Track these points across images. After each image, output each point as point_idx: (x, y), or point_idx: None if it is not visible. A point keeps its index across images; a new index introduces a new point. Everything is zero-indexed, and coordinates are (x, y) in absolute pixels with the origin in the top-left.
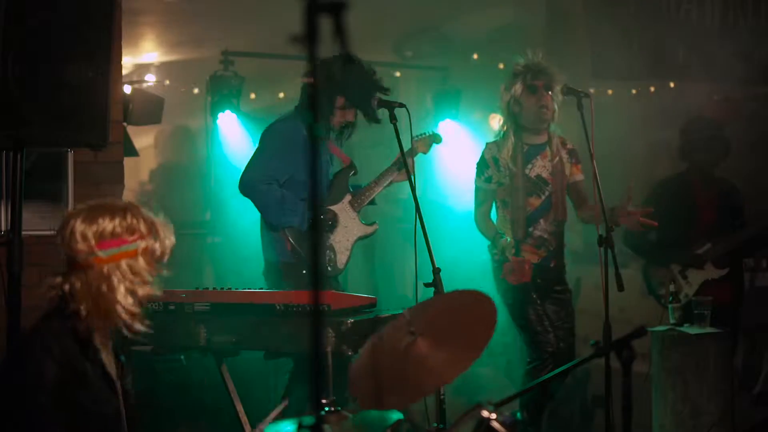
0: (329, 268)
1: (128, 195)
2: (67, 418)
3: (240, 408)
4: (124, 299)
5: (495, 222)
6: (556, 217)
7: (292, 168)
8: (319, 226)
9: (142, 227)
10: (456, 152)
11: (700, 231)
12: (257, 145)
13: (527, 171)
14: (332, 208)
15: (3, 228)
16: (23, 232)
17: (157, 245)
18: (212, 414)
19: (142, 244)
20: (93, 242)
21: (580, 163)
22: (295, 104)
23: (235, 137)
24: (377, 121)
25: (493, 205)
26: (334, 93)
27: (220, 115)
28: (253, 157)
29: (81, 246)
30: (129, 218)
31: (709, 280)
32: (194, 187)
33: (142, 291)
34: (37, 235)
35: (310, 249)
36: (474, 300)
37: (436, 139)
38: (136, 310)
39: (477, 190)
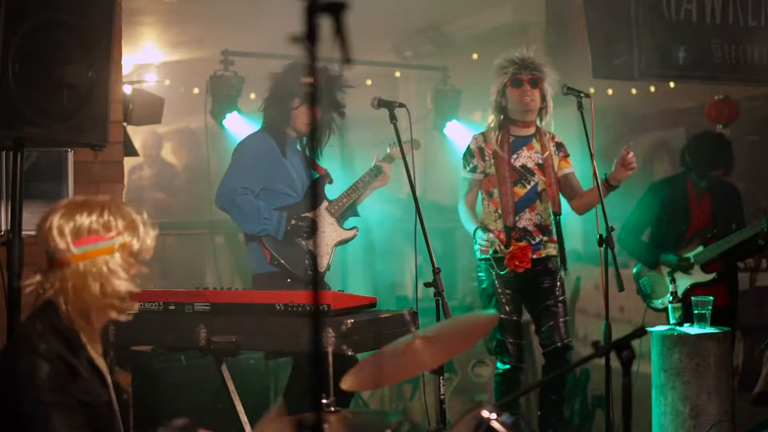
0: (310, 273)
1: (128, 195)
2: (64, 413)
3: (240, 408)
4: (99, 296)
5: (480, 214)
6: (552, 209)
7: (265, 178)
8: (316, 227)
9: (120, 224)
10: (460, 153)
11: (693, 234)
12: (230, 161)
13: (512, 161)
14: (308, 215)
15: (3, 228)
16: (23, 232)
17: (135, 242)
18: (212, 414)
19: (119, 241)
20: (69, 239)
21: (568, 156)
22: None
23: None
24: (341, 109)
25: (479, 196)
26: (286, 99)
27: (228, 116)
28: (226, 172)
29: (58, 242)
30: (106, 215)
31: (699, 283)
32: (195, 187)
33: (118, 288)
34: (44, 231)
35: (308, 253)
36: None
37: (415, 145)
38: (111, 306)
39: (463, 180)
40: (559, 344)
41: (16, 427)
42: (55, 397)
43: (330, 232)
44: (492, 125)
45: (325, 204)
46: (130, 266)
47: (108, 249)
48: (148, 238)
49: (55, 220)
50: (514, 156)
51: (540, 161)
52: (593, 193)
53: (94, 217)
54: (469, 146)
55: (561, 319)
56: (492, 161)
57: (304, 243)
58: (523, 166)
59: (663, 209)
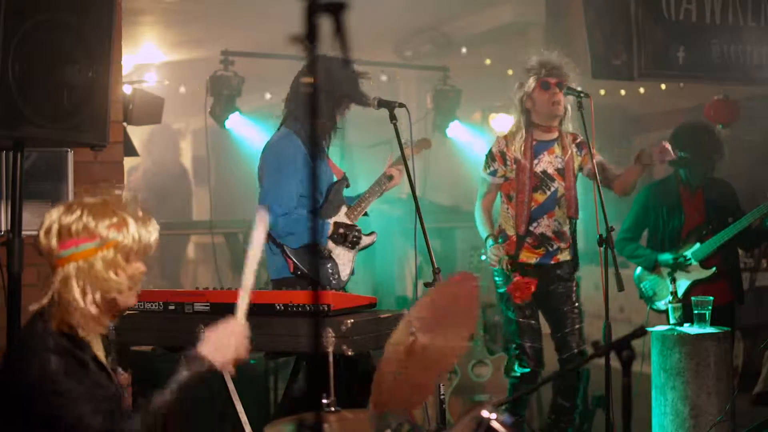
0: (333, 282)
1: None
2: (83, 394)
3: (240, 408)
4: (81, 300)
5: (497, 215)
6: (568, 213)
7: (301, 187)
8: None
9: (101, 225)
10: (460, 153)
11: (688, 232)
12: (265, 173)
13: (533, 166)
14: (333, 221)
15: (3, 228)
16: (23, 232)
17: (123, 240)
18: (212, 414)
19: (102, 242)
20: (54, 242)
21: (593, 148)
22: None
23: (249, 138)
24: (370, 104)
25: (498, 198)
26: (334, 94)
27: (230, 116)
28: (265, 190)
29: (45, 247)
30: (85, 217)
31: (701, 280)
32: (195, 187)
33: (101, 291)
34: (37, 236)
35: (311, 256)
36: (457, 284)
37: (425, 144)
38: (95, 311)
39: (482, 181)
40: (575, 350)
41: (42, 424)
42: (70, 384)
43: None
44: (514, 129)
45: (344, 209)
46: (117, 266)
47: (90, 251)
48: (143, 233)
49: (45, 224)
50: (535, 161)
51: (560, 166)
52: (630, 172)
53: (73, 219)
54: (491, 149)
55: (577, 326)
56: (513, 166)
57: (326, 251)
58: (544, 172)
59: (656, 211)
